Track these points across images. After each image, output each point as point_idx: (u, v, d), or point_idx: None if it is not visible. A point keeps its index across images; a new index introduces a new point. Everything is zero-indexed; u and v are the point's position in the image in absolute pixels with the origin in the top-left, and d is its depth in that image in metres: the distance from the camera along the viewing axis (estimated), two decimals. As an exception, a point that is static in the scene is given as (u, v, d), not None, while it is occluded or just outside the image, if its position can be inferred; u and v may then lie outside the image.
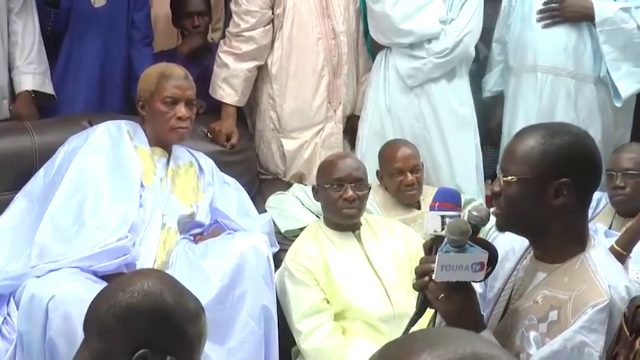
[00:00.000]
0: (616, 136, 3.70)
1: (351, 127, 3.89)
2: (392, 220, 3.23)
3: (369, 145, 3.71)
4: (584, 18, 3.63)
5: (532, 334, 1.80)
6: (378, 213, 3.38)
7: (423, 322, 1.88)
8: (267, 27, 3.67)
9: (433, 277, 1.77)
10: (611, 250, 2.57)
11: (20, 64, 3.40)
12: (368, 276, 2.98)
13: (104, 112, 3.46)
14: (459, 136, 3.71)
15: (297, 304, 2.94)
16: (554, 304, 1.79)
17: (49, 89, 3.47)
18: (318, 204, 3.17)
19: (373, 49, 3.90)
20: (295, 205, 3.47)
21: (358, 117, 3.86)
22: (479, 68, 4.02)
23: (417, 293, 1.84)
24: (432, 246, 1.84)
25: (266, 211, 3.42)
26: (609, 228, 3.20)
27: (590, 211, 3.30)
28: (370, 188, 3.14)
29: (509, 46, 3.85)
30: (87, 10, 3.56)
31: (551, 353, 1.73)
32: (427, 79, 3.69)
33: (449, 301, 1.78)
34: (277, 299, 2.92)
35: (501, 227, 1.91)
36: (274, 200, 3.55)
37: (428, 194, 3.42)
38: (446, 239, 1.77)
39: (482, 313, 1.99)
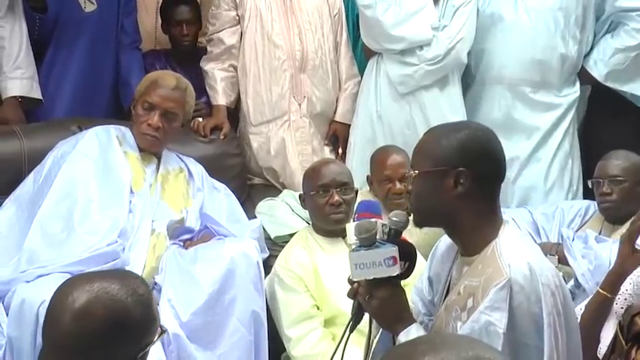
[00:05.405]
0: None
1: (333, 133, 3.93)
2: (381, 226, 3.24)
3: (360, 151, 3.73)
4: None
5: (459, 324, 1.86)
6: (367, 218, 3.38)
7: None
8: (234, 28, 3.78)
9: (350, 277, 1.91)
10: (598, 295, 2.50)
11: (7, 70, 3.38)
12: (358, 282, 2.98)
13: (91, 116, 3.44)
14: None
15: (287, 311, 2.94)
16: (471, 291, 1.85)
17: (37, 94, 3.45)
18: (308, 210, 3.18)
19: (365, 55, 3.92)
20: (285, 211, 3.47)
21: (340, 123, 3.90)
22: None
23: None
24: None
25: (256, 217, 3.43)
26: (599, 234, 3.22)
27: (579, 219, 3.37)
28: (357, 192, 3.15)
29: (472, 56, 3.85)
30: (77, 16, 3.55)
31: None
32: (418, 86, 3.70)
33: (372, 298, 1.90)
34: (267, 305, 2.92)
35: (417, 223, 2.00)
36: (264, 206, 3.55)
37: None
38: (358, 241, 1.88)
39: (432, 316, 2.09)
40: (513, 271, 1.78)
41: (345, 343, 1.96)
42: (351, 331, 1.96)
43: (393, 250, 1.86)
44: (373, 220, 1.98)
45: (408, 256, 1.92)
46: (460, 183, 1.88)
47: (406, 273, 1.93)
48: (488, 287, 1.79)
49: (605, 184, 3.24)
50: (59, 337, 1.54)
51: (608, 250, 2.99)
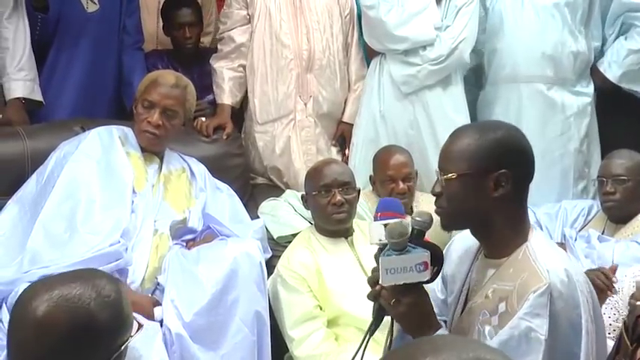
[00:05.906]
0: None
1: (340, 134, 3.93)
2: (384, 227, 3.23)
3: (363, 151, 3.73)
4: None
5: (487, 328, 1.84)
6: (370, 219, 3.38)
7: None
8: (245, 27, 3.80)
9: (380, 282, 1.83)
10: None
11: (11, 71, 3.38)
12: (361, 282, 2.92)
13: (94, 117, 3.44)
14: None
15: (290, 311, 2.93)
16: (502, 295, 1.83)
17: (38, 96, 3.45)
18: (311, 210, 3.18)
19: (368, 55, 3.92)
20: (288, 212, 3.47)
21: (348, 124, 3.89)
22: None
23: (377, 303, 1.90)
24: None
25: (258, 217, 3.42)
26: (602, 234, 3.22)
27: (582, 218, 3.37)
28: (359, 191, 3.15)
29: (485, 56, 3.87)
30: (79, 16, 3.55)
31: (500, 344, 1.76)
32: (422, 86, 3.71)
33: (399, 304, 1.84)
34: (270, 305, 2.91)
35: (446, 226, 1.96)
36: (267, 206, 3.54)
37: (421, 201, 3.44)
38: (388, 244, 1.82)
39: (445, 317, 2.06)
40: (552, 276, 1.76)
41: (365, 347, 1.89)
42: (371, 334, 1.90)
43: (425, 256, 1.81)
44: (398, 220, 1.92)
45: (436, 260, 1.87)
46: (501, 185, 1.85)
47: (434, 277, 1.88)
48: (526, 292, 1.76)
49: (609, 183, 3.25)
50: (23, 346, 1.51)
51: (610, 250, 2.99)
